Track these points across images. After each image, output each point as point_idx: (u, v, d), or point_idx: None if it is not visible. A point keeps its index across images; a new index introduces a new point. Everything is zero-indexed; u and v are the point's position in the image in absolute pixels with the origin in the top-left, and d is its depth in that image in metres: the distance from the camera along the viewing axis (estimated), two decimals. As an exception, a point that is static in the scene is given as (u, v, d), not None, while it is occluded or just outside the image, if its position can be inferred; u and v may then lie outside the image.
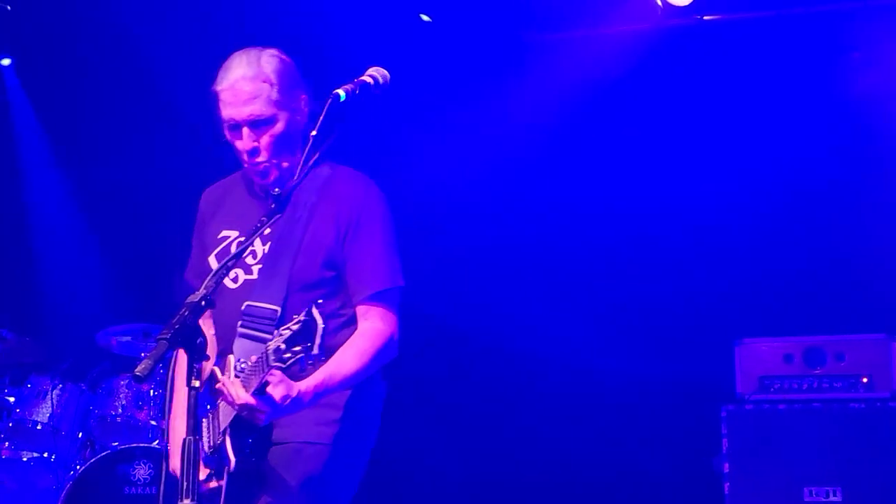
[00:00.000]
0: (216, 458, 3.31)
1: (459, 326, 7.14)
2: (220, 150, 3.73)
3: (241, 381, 3.21)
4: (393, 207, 3.56)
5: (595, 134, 6.96)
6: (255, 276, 3.43)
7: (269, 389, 3.16)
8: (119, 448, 6.00)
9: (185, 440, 2.89)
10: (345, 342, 3.40)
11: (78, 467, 6.06)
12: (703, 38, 6.72)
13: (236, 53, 3.50)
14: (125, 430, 6.27)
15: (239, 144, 3.48)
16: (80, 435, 6.44)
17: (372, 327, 3.43)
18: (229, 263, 3.06)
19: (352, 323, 3.47)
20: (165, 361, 3.03)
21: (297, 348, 3.04)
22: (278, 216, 3.11)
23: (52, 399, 6.36)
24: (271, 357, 3.07)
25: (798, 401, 5.76)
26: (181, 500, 2.88)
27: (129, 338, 6.55)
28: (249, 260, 3.48)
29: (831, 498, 5.58)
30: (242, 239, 3.45)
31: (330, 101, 3.20)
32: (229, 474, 3.27)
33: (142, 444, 6.02)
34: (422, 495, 7.11)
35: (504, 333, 7.05)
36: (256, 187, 3.57)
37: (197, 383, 2.88)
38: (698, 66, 6.73)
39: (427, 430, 7.05)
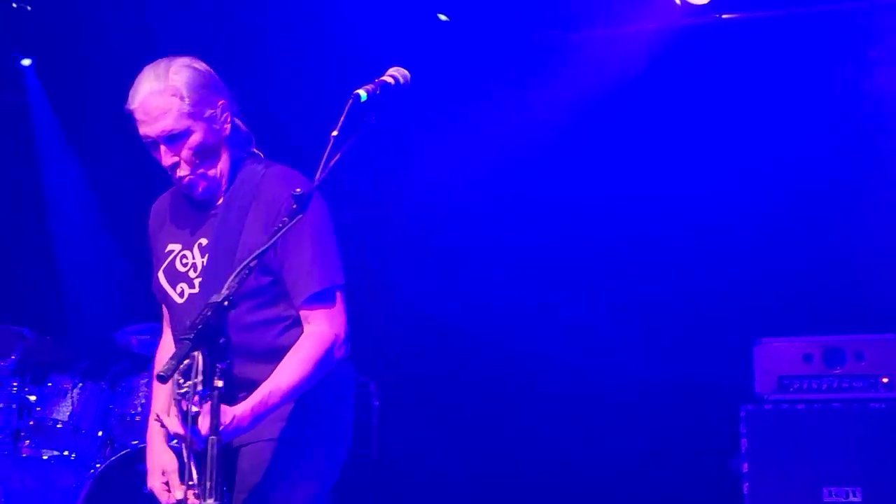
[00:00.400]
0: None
1: (463, 327, 7.13)
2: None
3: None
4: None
5: (613, 133, 6.94)
6: (196, 289, 3.37)
7: (200, 420, 3.07)
8: (139, 447, 5.99)
9: (208, 439, 2.90)
10: (293, 343, 3.35)
11: (98, 466, 6.07)
12: (721, 36, 6.71)
13: (146, 68, 3.42)
14: (145, 429, 6.25)
15: (161, 161, 3.41)
16: (101, 433, 6.45)
17: (316, 331, 3.36)
18: (251, 263, 3.05)
19: (300, 322, 3.41)
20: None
21: (190, 383, 2.99)
22: (300, 216, 3.09)
23: (72, 398, 6.38)
24: (174, 390, 3.04)
25: (817, 401, 5.74)
26: (205, 501, 2.90)
27: (148, 336, 6.53)
28: (191, 273, 3.43)
29: (851, 498, 5.56)
30: (187, 252, 3.44)
31: (351, 101, 3.16)
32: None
33: (161, 443, 6.02)
34: (422, 495, 7.09)
35: (508, 333, 7.04)
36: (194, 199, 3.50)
37: (220, 383, 2.89)
38: (717, 65, 6.72)
39: (427, 430, 7.03)
